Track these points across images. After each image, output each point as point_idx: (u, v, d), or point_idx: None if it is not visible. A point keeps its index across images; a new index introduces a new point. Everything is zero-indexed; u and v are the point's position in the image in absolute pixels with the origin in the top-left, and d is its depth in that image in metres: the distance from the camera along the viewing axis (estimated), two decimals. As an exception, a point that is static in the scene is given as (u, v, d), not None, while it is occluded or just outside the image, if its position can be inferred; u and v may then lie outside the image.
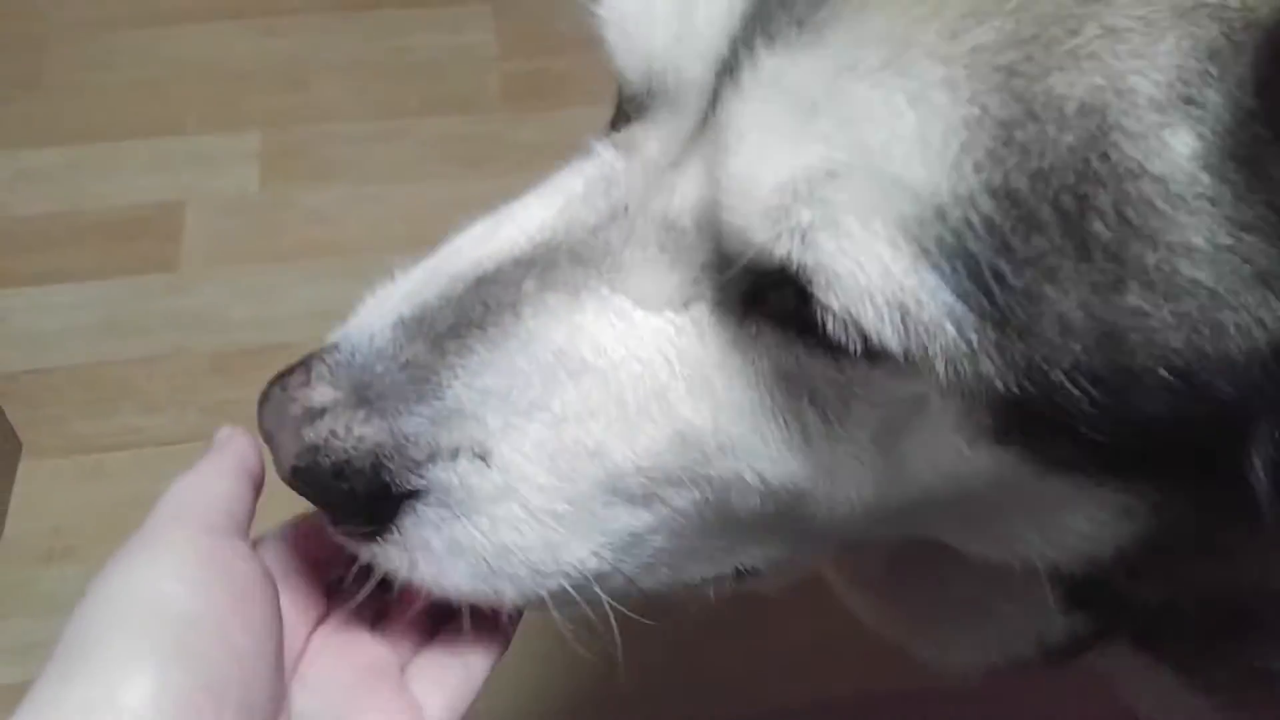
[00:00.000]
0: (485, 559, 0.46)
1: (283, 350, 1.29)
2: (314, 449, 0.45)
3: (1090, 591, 0.50)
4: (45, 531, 1.21)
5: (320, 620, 0.52)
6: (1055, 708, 1.10)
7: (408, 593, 0.50)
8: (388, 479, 0.45)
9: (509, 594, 0.48)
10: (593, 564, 0.47)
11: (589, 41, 0.47)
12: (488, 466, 0.45)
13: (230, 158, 1.52)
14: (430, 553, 0.47)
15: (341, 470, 0.45)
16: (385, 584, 0.50)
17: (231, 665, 0.43)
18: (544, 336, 0.45)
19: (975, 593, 0.55)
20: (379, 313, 0.47)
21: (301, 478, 0.45)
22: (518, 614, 0.51)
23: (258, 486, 0.52)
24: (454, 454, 0.45)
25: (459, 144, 1.53)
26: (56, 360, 1.34)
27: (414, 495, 0.46)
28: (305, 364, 0.47)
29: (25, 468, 1.25)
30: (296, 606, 0.51)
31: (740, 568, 0.51)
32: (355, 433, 0.44)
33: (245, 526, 0.50)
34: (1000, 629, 0.57)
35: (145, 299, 1.39)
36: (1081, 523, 0.45)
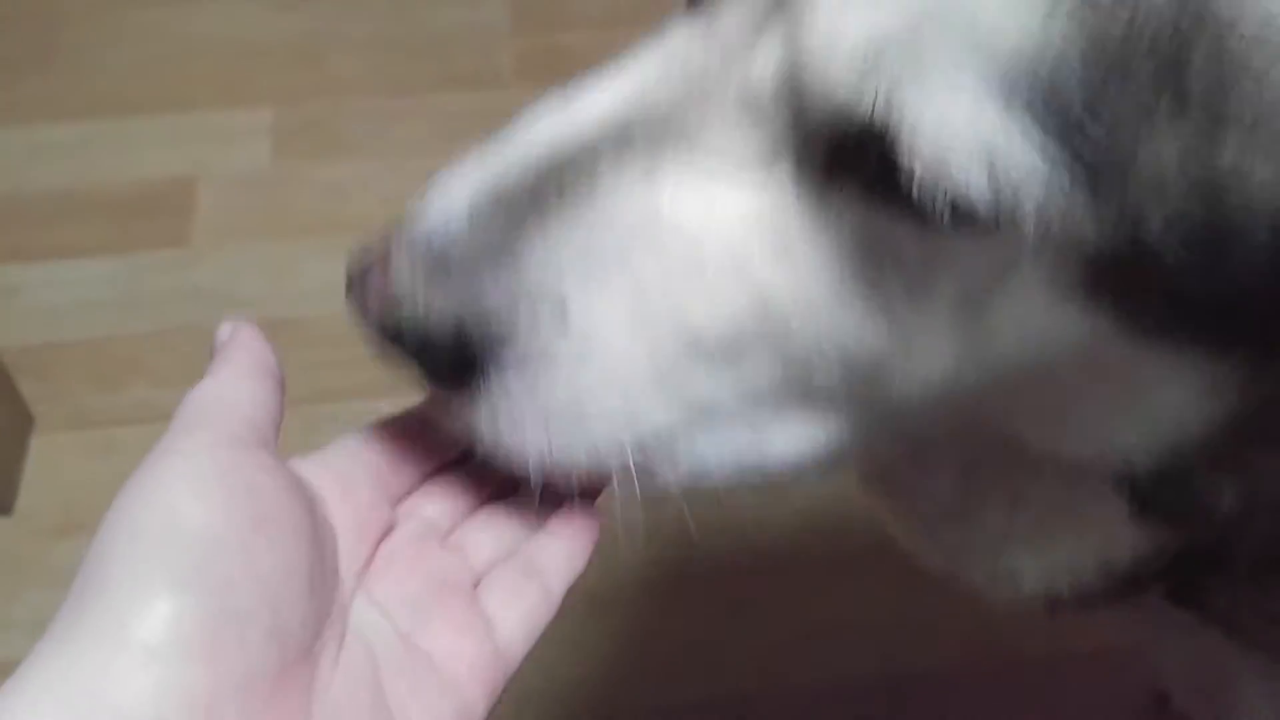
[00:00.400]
0: (563, 420, 0.46)
1: (295, 326, 1.32)
2: (396, 319, 0.45)
3: (1166, 494, 0.49)
4: (57, 506, 1.21)
5: (386, 532, 0.49)
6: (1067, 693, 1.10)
7: (484, 491, 0.51)
8: (469, 343, 0.45)
9: (583, 459, 0.47)
10: (667, 430, 0.47)
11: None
12: (567, 332, 0.45)
13: (242, 133, 1.52)
14: (509, 414, 0.46)
15: (426, 337, 0.45)
16: (457, 495, 0.51)
17: (255, 589, 0.40)
18: (622, 207, 0.44)
19: (1049, 506, 0.54)
20: (453, 195, 0.47)
21: (388, 338, 0.46)
22: (595, 528, 0.51)
23: (279, 382, 0.49)
24: (533, 321, 0.45)
25: (472, 119, 1.51)
26: (68, 335, 1.34)
27: (496, 360, 0.46)
28: (383, 248, 0.47)
29: (37, 442, 1.26)
30: (357, 517, 0.48)
31: (805, 455, 0.50)
32: (437, 304, 0.45)
33: (270, 433, 0.47)
34: (1070, 549, 0.55)
35: (157, 274, 1.39)
36: (1168, 402, 0.44)
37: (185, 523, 0.40)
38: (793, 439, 0.49)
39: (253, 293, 1.37)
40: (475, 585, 0.49)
